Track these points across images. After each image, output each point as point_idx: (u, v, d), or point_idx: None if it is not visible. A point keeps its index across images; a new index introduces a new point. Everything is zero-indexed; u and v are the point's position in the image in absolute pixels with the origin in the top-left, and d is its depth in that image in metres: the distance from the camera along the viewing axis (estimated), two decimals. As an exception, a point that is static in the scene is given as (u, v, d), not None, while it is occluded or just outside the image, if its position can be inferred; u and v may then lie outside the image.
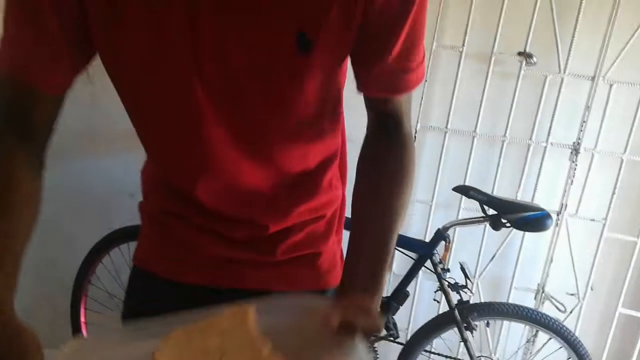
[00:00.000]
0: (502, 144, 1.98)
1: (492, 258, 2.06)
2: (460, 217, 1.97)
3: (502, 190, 2.00)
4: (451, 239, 1.77)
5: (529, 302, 2.09)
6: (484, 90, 1.94)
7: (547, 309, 1.99)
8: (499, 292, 2.15)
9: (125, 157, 2.06)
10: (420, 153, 2.03)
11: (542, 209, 1.58)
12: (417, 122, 1.98)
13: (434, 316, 1.79)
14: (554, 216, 2.00)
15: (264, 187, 0.73)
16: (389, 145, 0.74)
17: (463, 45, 1.91)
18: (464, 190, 1.66)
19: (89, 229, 2.03)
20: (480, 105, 1.95)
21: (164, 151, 0.73)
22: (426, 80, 1.94)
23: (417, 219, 2.09)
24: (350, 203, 0.76)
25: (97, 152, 2.07)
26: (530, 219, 1.55)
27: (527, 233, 1.91)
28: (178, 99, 0.64)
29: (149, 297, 0.82)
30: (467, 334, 1.69)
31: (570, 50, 1.86)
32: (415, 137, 1.99)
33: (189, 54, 0.60)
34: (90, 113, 2.03)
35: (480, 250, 2.06)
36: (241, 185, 0.72)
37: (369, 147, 0.76)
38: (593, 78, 1.88)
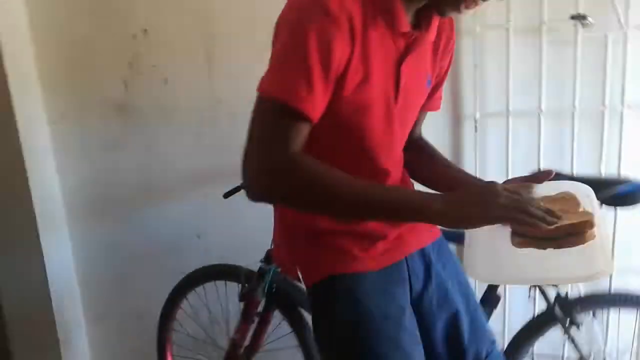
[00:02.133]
0: (573, 117, 1.81)
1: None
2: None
3: (582, 168, 1.83)
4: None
5: (635, 285, 1.88)
6: (540, 64, 1.80)
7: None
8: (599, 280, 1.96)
9: (186, 200, 2.07)
10: (485, 142, 1.90)
11: (631, 181, 1.42)
12: (476, 110, 1.86)
13: (531, 317, 1.64)
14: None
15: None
16: (426, 142, 1.23)
17: (508, 21, 1.78)
18: (540, 174, 1.52)
19: (163, 276, 2.05)
20: (540, 80, 1.80)
21: (365, 168, 0.98)
22: (476, 65, 1.83)
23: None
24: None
25: (158, 199, 2.10)
26: (621, 193, 1.39)
27: (620, 212, 1.73)
28: (386, 127, 0.97)
29: (373, 293, 1.00)
30: (573, 330, 1.53)
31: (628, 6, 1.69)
32: (475, 127, 1.87)
33: (393, 96, 0.95)
34: (146, 162, 2.06)
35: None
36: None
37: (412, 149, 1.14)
38: (662, 26, 1.69)
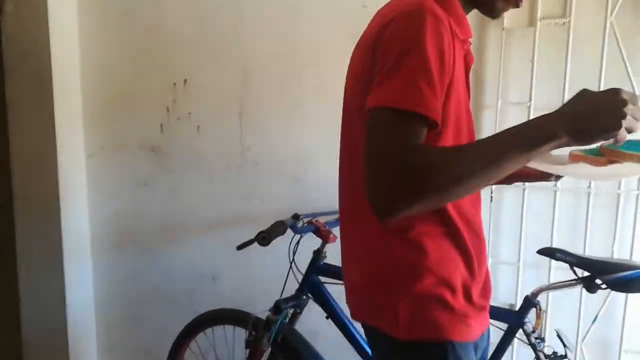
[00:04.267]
0: (589, 197, 1.85)
1: (594, 321, 1.87)
2: (551, 280, 1.83)
3: (595, 247, 1.84)
4: (542, 305, 1.64)
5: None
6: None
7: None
8: (606, 357, 1.94)
9: (205, 242, 2.15)
10: (500, 209, 1.94)
11: (638, 266, 1.43)
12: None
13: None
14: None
15: None
16: None
17: (530, 100, 1.85)
18: (549, 252, 1.55)
19: (175, 314, 2.11)
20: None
21: None
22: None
23: (504, 282, 1.97)
24: None
25: (179, 239, 2.18)
26: (628, 278, 1.41)
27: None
28: (466, 119, 0.96)
29: None
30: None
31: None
32: (491, 197, 1.92)
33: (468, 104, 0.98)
34: (172, 202, 2.16)
35: (579, 314, 1.88)
36: None
37: None
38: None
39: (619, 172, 0.91)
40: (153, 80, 2.12)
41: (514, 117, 1.89)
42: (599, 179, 0.94)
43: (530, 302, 1.57)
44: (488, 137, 0.78)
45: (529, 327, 1.58)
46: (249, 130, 2.08)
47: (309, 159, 2.04)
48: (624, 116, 0.71)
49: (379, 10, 0.93)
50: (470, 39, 0.96)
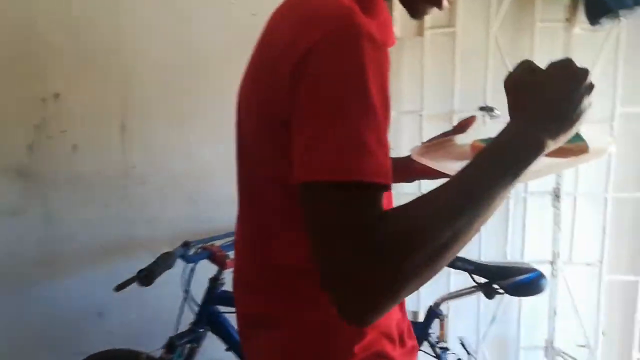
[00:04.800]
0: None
1: (492, 321, 1.93)
2: (450, 288, 1.86)
3: (489, 250, 1.90)
4: (445, 314, 1.65)
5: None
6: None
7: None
8: (506, 355, 2.01)
9: (87, 276, 1.92)
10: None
11: (533, 269, 1.48)
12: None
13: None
14: (547, 267, 1.91)
15: None
16: None
17: (422, 109, 1.87)
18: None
19: (61, 357, 1.87)
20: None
21: None
22: (392, 149, 1.88)
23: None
24: None
25: (58, 272, 1.94)
26: (523, 282, 1.45)
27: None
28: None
29: None
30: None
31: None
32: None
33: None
34: (47, 231, 1.91)
35: (478, 317, 1.93)
36: None
37: None
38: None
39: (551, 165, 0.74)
40: (17, 94, 1.86)
41: (409, 127, 1.90)
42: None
43: (433, 312, 1.57)
44: (458, 180, 0.59)
45: (433, 337, 1.57)
46: (134, 147, 1.89)
47: (204, 176, 1.91)
48: (592, 88, 0.61)
49: (279, 11, 0.70)
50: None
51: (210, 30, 1.84)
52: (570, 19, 1.82)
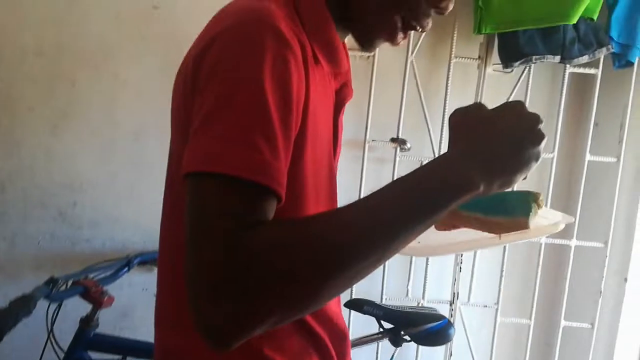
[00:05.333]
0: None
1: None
2: (352, 331, 1.74)
3: (391, 289, 1.82)
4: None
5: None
6: (361, 176, 1.82)
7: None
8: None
9: None
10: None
11: (441, 317, 1.42)
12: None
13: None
14: (446, 307, 1.88)
15: None
16: None
17: (336, 135, 1.77)
18: (356, 305, 1.43)
19: None
20: (360, 190, 1.81)
21: None
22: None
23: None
24: None
25: None
26: (431, 332, 1.37)
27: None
28: (328, 182, 0.71)
29: None
30: None
31: (442, 134, 1.80)
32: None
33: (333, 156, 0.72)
34: None
35: (377, 355, 1.85)
36: None
37: None
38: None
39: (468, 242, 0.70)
40: None
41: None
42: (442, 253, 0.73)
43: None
44: (365, 201, 0.53)
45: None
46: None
47: (82, 187, 1.62)
48: (543, 137, 0.53)
49: (213, 17, 0.64)
50: (346, 71, 0.73)
51: (104, 17, 1.55)
52: (483, 58, 1.82)
